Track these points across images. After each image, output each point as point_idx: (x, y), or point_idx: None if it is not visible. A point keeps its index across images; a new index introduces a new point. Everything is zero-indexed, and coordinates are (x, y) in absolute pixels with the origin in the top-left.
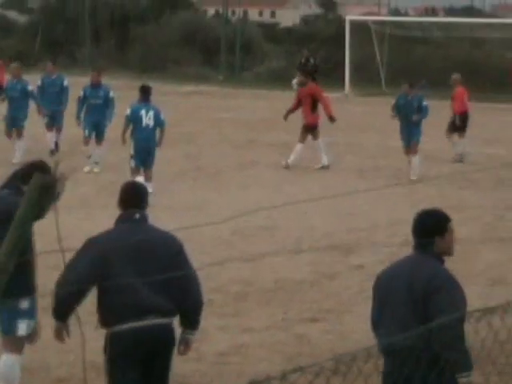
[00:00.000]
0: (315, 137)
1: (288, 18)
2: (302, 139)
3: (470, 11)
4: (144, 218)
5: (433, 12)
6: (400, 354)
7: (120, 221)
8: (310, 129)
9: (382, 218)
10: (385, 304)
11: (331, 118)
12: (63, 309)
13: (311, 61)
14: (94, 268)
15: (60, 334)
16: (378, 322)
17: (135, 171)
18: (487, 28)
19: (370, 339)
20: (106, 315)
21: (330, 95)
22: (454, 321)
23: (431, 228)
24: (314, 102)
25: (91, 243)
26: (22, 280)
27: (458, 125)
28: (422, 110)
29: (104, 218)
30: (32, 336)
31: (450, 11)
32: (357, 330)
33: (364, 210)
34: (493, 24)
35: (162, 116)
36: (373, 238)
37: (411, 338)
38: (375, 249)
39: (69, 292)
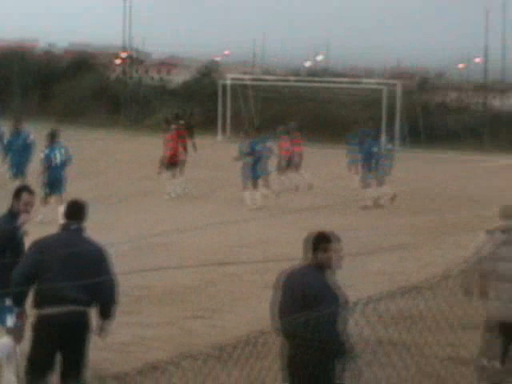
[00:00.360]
0: (181, 171)
1: (177, 79)
2: (173, 175)
3: (326, 72)
4: (79, 229)
5: (296, 73)
6: (297, 337)
7: (61, 229)
8: (178, 164)
9: (256, 238)
10: (287, 299)
11: (182, 158)
12: (17, 296)
13: (186, 113)
14: (35, 265)
15: (21, 316)
16: (280, 311)
17: (44, 200)
18: (329, 91)
19: (247, 333)
20: (37, 299)
21: (207, 141)
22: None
23: (304, 244)
24: (181, 144)
25: (34, 244)
26: (6, 282)
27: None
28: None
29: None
30: (17, 335)
31: (310, 72)
32: (236, 325)
33: (241, 231)
34: (332, 88)
35: (69, 152)
36: (248, 254)
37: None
38: (251, 261)
39: (19, 283)
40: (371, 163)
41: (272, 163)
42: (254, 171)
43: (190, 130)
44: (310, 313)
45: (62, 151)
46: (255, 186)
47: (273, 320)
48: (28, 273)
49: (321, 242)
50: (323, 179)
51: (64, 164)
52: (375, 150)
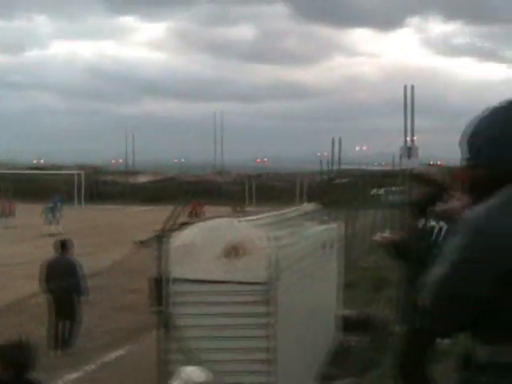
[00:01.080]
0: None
1: None
2: None
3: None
4: None
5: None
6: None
7: None
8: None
9: (21, 251)
10: (52, 274)
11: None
12: None
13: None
14: None
15: None
16: (48, 280)
17: None
18: (49, 175)
19: (20, 297)
20: None
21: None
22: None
23: (54, 247)
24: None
25: None
26: None
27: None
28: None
29: None
30: None
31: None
32: (12, 296)
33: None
34: (51, 173)
35: None
36: (15, 259)
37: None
38: (16, 263)
39: None
40: (52, 212)
41: None
42: None
43: None
44: (74, 276)
45: None
46: None
47: (41, 285)
48: None
49: (64, 243)
50: (31, 221)
51: None
52: (52, 205)
